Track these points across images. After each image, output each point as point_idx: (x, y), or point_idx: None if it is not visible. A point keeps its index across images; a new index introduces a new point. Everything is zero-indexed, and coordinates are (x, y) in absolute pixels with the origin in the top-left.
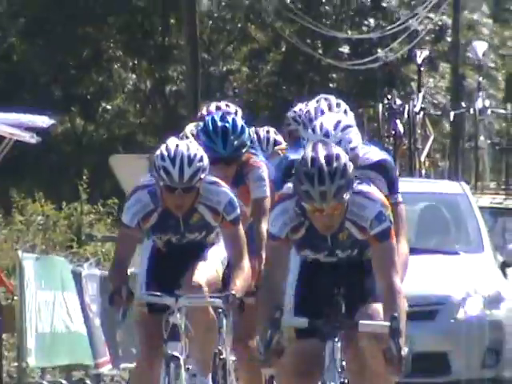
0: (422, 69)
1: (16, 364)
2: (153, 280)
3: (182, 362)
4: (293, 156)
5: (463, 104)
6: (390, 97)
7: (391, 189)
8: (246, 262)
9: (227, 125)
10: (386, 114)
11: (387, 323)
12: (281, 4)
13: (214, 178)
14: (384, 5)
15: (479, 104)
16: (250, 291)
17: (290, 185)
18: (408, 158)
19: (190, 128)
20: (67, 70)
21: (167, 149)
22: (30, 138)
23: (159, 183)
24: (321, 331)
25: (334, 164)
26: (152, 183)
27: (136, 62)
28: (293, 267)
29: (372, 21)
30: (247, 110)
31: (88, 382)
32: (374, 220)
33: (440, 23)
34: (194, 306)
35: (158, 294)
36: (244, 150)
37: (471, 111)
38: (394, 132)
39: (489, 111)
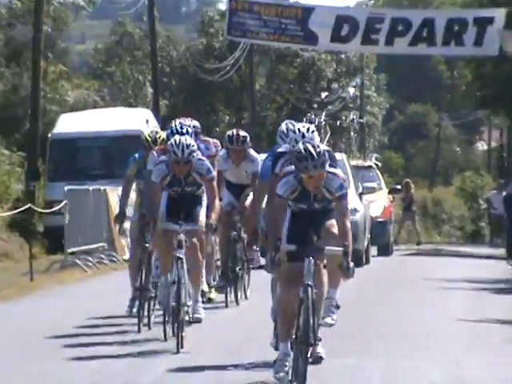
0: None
1: None
2: (167, 215)
3: (184, 261)
4: (279, 150)
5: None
6: (309, 115)
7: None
8: (217, 202)
9: (183, 131)
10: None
11: (341, 249)
12: None
13: (201, 156)
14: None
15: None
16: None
17: (289, 167)
18: None
19: (164, 133)
20: None
21: (175, 140)
22: None
23: (171, 159)
24: (302, 254)
25: (318, 149)
26: (167, 160)
27: None
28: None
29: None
30: None
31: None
32: (337, 188)
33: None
34: (191, 229)
35: (169, 223)
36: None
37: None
38: None
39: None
